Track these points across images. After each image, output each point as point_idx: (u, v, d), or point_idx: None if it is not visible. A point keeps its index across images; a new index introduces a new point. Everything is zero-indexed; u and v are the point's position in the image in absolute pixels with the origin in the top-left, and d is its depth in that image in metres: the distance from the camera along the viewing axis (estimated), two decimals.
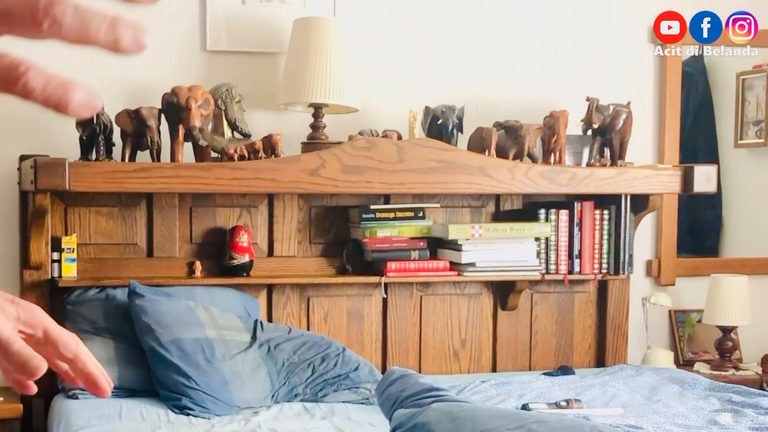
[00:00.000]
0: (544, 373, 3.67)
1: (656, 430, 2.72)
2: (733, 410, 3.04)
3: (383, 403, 2.74)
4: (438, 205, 3.72)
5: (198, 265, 3.54)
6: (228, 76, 3.60)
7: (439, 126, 3.62)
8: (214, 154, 3.38)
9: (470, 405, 2.68)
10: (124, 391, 3.16)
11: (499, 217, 3.84)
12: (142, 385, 3.17)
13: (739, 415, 2.98)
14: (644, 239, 4.18)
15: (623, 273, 3.84)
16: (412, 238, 3.65)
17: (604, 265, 3.82)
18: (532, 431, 2.31)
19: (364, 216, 3.61)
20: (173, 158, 3.29)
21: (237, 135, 3.50)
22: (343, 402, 3.21)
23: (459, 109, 3.66)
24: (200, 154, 3.36)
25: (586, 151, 3.84)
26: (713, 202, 4.55)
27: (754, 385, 3.68)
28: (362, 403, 3.22)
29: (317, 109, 3.60)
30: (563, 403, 3.10)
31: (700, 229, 4.70)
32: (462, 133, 3.67)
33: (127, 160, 3.28)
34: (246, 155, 3.30)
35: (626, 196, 3.77)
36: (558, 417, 2.64)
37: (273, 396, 3.18)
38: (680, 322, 4.26)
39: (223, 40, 3.70)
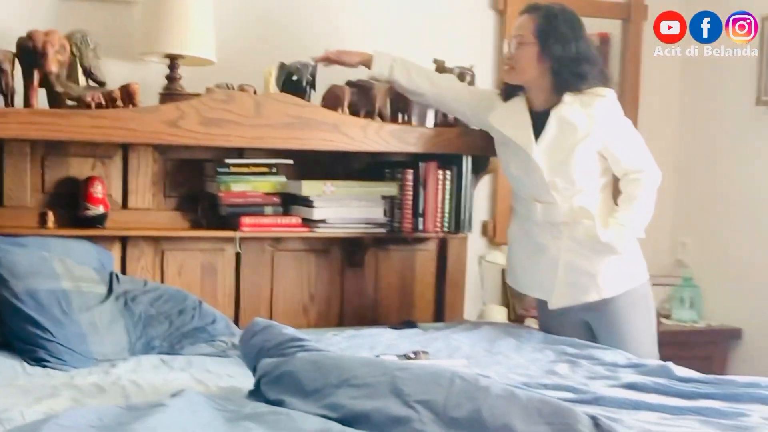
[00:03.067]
0: (390, 327, 3.77)
1: (501, 378, 2.83)
2: (569, 361, 3.20)
3: (247, 353, 2.76)
4: (291, 162, 3.74)
5: (50, 215, 3.43)
6: (81, 23, 3.48)
7: (295, 82, 3.64)
8: (69, 102, 3.28)
9: (334, 354, 2.75)
10: None
11: (350, 175, 3.90)
12: None
13: (575, 365, 3.13)
14: (481, 200, 4.36)
15: (463, 232, 3.96)
16: (266, 194, 3.67)
17: (446, 224, 3.91)
18: (397, 378, 2.40)
19: (219, 170, 3.59)
20: (27, 104, 3.17)
21: (91, 83, 3.41)
22: (200, 354, 3.20)
23: (312, 66, 3.68)
24: (55, 100, 3.25)
25: (430, 113, 3.92)
26: None
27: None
28: (219, 356, 3.21)
29: (173, 60, 3.55)
30: (412, 355, 3.17)
31: None
32: (315, 90, 3.70)
33: None
34: (104, 104, 3.23)
35: (467, 157, 3.87)
36: (420, 365, 2.74)
37: (130, 348, 3.13)
38: None
39: None
